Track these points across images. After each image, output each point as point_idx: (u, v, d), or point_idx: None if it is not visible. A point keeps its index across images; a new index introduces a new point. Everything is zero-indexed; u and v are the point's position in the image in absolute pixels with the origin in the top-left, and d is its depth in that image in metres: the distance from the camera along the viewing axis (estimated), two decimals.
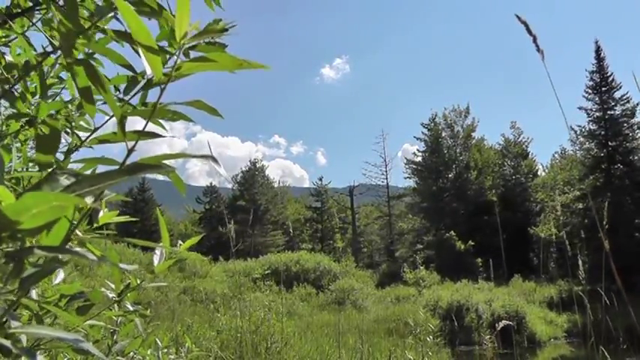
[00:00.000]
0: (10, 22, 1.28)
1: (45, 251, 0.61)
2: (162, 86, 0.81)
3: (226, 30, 0.97)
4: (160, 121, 0.98)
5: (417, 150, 53.86)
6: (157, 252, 1.24)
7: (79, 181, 0.58)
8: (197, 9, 1.31)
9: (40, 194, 0.52)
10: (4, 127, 1.31)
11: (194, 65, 0.80)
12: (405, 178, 59.27)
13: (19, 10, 1.23)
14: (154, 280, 1.46)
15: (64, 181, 0.59)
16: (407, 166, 54.74)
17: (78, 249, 0.64)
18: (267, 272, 29.67)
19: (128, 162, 0.82)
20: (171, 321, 13.38)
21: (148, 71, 0.78)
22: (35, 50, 1.36)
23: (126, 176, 0.59)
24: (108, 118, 1.17)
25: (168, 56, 0.97)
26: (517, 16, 1.89)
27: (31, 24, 1.32)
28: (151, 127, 0.99)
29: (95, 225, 1.23)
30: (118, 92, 1.29)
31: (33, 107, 1.27)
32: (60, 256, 0.80)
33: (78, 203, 0.53)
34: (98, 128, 1.12)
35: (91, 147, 1.36)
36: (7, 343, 0.67)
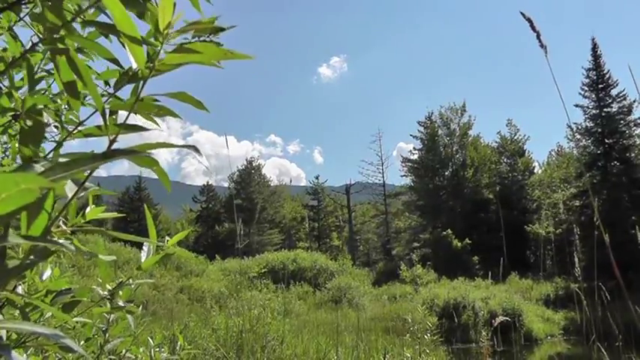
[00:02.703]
0: None
1: (21, 239, 0.59)
2: (145, 76, 0.79)
3: (223, 29, 0.94)
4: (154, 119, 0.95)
5: (414, 148, 53.91)
6: (145, 248, 1.22)
7: (52, 168, 0.56)
8: (193, 8, 1.28)
9: (6, 175, 0.51)
10: None
11: (178, 56, 0.78)
12: (402, 176, 59.38)
13: (6, 5, 1.21)
14: (146, 277, 1.43)
15: (39, 168, 0.58)
16: (403, 164, 54.77)
17: (55, 239, 0.62)
18: (263, 271, 29.70)
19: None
20: (168, 320, 13.35)
21: (134, 64, 0.76)
22: (23, 45, 1.34)
23: (101, 161, 0.57)
24: (93, 111, 1.14)
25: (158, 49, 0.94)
26: (522, 13, 1.87)
27: (18, 19, 1.29)
28: (142, 123, 0.96)
29: (83, 221, 1.20)
30: (108, 86, 1.26)
31: (19, 101, 1.25)
32: (40, 250, 0.77)
33: (46, 185, 0.51)
34: (83, 121, 1.09)
35: (85, 138, 1.33)
36: None
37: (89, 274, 22.30)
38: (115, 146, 0.82)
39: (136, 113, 0.90)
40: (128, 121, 0.89)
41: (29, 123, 0.93)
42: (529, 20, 1.90)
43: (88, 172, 0.63)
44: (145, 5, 0.93)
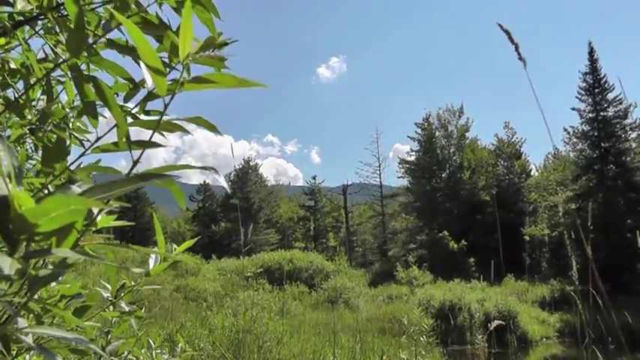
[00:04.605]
0: (14, 30, 1.30)
1: (61, 253, 0.64)
2: (167, 102, 0.84)
3: (226, 44, 0.99)
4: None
5: (411, 149, 54.05)
6: (153, 255, 1.26)
7: (91, 189, 0.62)
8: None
9: (60, 198, 0.56)
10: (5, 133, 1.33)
11: (195, 85, 0.83)
12: (399, 177, 59.46)
13: (22, 19, 1.25)
14: (148, 280, 1.47)
15: (76, 189, 0.63)
16: (400, 166, 54.89)
17: (88, 252, 0.67)
18: (260, 271, 29.72)
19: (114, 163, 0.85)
20: (164, 319, 13.37)
21: (149, 83, 0.80)
22: (38, 60, 1.38)
23: (135, 184, 0.62)
24: (111, 127, 1.19)
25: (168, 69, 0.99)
26: (499, 25, 1.88)
27: (33, 32, 1.33)
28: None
29: (93, 229, 1.25)
30: (117, 96, 1.31)
31: (35, 115, 1.29)
32: (68, 260, 0.82)
33: (94, 206, 0.56)
34: (101, 137, 1.14)
35: (86, 140, 1.37)
36: (28, 339, 0.70)
37: (85, 272, 22.32)
38: (115, 156, 0.87)
39: (157, 130, 0.94)
40: (133, 134, 0.95)
41: (52, 139, 0.98)
42: (507, 32, 1.90)
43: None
44: (165, 30, 0.97)
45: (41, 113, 1.10)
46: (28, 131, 1.22)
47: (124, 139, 0.87)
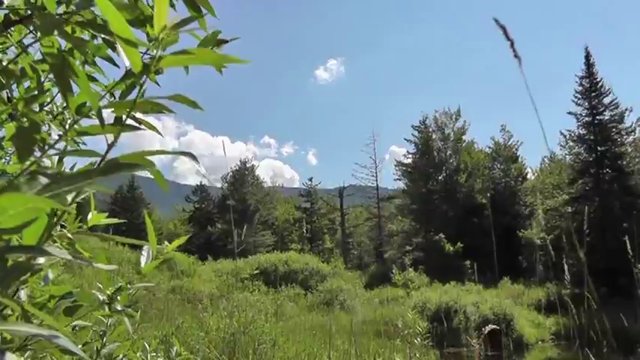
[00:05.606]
0: (8, 31, 1.28)
1: (20, 252, 0.61)
2: (143, 79, 0.81)
3: (226, 42, 0.96)
4: (152, 120, 0.97)
5: (407, 152, 54.12)
6: (144, 253, 1.23)
7: (57, 181, 0.58)
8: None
9: (16, 196, 0.53)
10: None
11: (174, 59, 0.80)
12: (395, 179, 59.44)
13: (17, 19, 1.23)
14: (142, 280, 1.45)
15: (43, 179, 0.59)
16: (397, 168, 54.93)
17: (52, 249, 0.63)
18: (256, 272, 29.66)
19: (110, 157, 0.82)
20: (160, 320, 13.32)
21: (126, 61, 0.77)
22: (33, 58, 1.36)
23: (103, 175, 0.59)
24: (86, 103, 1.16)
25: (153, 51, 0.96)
26: (495, 20, 1.85)
27: (28, 31, 1.32)
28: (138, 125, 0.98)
29: (86, 227, 1.22)
30: (113, 98, 1.29)
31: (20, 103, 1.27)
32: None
33: (53, 207, 0.53)
34: (78, 120, 1.11)
35: (83, 142, 1.35)
36: None
37: (81, 272, 22.18)
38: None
39: (133, 111, 0.91)
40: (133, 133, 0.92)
41: (24, 121, 0.95)
42: (502, 28, 1.86)
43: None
44: (138, 7, 0.95)
45: (24, 100, 1.07)
46: (7, 117, 1.20)
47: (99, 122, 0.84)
